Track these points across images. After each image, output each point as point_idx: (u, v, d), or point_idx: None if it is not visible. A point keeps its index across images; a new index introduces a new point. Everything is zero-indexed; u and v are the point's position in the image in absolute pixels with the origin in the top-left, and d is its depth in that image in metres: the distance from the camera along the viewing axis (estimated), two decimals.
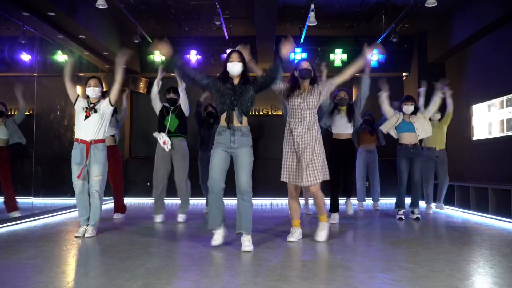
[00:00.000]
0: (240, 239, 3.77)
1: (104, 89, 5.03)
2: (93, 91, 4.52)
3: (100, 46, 7.41)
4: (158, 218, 5.50)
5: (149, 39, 8.29)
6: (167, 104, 5.62)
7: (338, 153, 5.43)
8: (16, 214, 5.63)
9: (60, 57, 7.90)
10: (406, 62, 9.34)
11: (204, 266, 3.18)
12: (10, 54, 7.26)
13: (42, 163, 6.48)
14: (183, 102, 5.60)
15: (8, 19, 6.18)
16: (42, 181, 6.56)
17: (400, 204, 5.93)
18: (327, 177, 4.17)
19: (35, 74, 6.59)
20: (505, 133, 6.70)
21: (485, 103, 7.44)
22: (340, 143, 5.47)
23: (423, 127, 5.88)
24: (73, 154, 4.42)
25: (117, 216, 5.91)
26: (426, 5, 5.91)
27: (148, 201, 8.42)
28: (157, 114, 5.63)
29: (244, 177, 3.74)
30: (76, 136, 4.45)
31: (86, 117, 4.41)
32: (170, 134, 5.40)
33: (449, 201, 7.59)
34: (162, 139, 5.24)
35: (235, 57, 3.83)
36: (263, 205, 8.02)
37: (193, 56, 8.96)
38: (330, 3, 7.44)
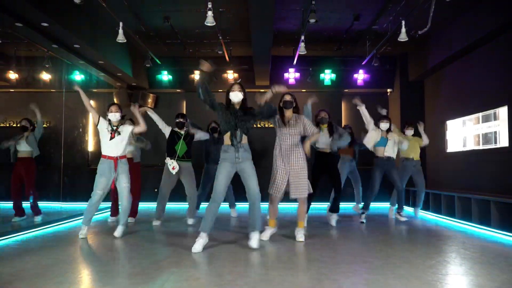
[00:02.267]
0: (249, 235, 4.67)
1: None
2: (114, 116, 5.41)
3: (115, 69, 8.35)
4: (156, 223, 6.49)
5: (157, 61, 9.21)
6: (176, 129, 6.54)
7: (322, 165, 6.35)
8: (38, 218, 6.64)
9: (78, 76, 8.87)
10: (389, 79, 10.31)
11: (212, 259, 4.11)
12: (38, 73, 8.21)
13: (69, 174, 7.43)
14: (203, 136, 6.74)
15: (38, 45, 7.08)
16: (69, 188, 7.51)
17: (367, 207, 6.88)
18: (311, 190, 5.15)
19: (62, 90, 7.50)
20: (480, 147, 7.60)
21: (460, 119, 8.37)
22: (323, 156, 6.38)
23: (392, 147, 6.86)
24: (100, 168, 5.32)
25: (131, 220, 6.84)
26: (398, 39, 6.84)
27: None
28: (167, 137, 6.55)
29: (254, 186, 4.58)
30: (104, 153, 5.35)
31: (111, 138, 5.33)
32: (178, 159, 6.37)
33: (425, 206, 8.55)
34: (172, 165, 6.25)
35: (237, 88, 4.69)
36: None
37: (197, 75, 9.88)
38: (319, 30, 8.38)
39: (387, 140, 6.88)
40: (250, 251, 4.53)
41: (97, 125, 5.43)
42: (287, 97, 5.20)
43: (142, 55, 8.94)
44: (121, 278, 3.47)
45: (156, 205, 6.58)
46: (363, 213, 6.89)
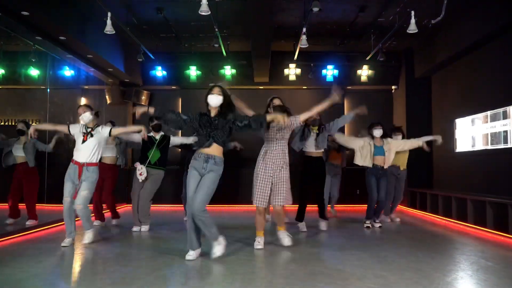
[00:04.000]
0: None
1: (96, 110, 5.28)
2: (84, 117, 4.92)
3: (106, 64, 7.88)
4: (136, 229, 5.98)
5: (151, 56, 8.75)
6: (152, 134, 5.96)
7: (311, 170, 5.89)
8: (32, 222, 6.20)
9: (68, 72, 8.40)
10: (394, 76, 9.87)
11: (203, 274, 3.65)
12: (23, 68, 7.76)
13: (53, 175, 6.96)
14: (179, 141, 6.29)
15: (20, 36, 6.62)
16: (54, 190, 7.03)
17: (370, 217, 6.45)
18: (290, 202, 4.82)
19: (46, 87, 7.05)
20: (490, 147, 7.14)
21: (468, 118, 7.91)
22: (312, 160, 5.91)
23: (389, 156, 6.32)
24: (66, 173, 4.84)
25: (97, 223, 6.42)
26: (408, 31, 6.39)
27: None
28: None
29: (198, 199, 4.01)
30: (73, 157, 4.86)
31: (83, 141, 4.83)
32: (150, 165, 5.85)
33: (434, 209, 8.09)
34: (140, 171, 5.77)
35: (216, 91, 4.21)
36: (236, 213, 8.38)
37: (193, 71, 9.43)
38: (321, 23, 7.93)
39: (382, 149, 6.31)
40: (247, 263, 4.06)
41: (70, 134, 4.98)
42: (276, 102, 4.87)
43: (135, 50, 8.47)
44: None
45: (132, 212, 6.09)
46: (366, 221, 6.46)
